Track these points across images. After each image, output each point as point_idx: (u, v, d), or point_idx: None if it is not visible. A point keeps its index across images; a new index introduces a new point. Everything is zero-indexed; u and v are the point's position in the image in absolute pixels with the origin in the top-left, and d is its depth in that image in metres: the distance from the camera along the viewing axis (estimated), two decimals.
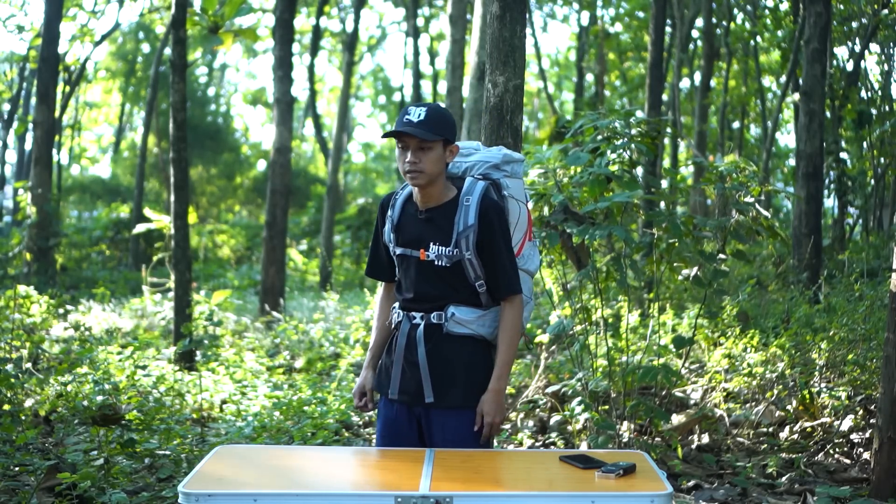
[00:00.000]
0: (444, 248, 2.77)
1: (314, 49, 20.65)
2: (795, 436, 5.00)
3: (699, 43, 18.22)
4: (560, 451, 2.69)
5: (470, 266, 2.77)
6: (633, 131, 4.62)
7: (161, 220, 10.77)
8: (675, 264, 4.91)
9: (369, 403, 2.95)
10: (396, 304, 2.91)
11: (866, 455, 4.60)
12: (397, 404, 2.85)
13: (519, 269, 2.84)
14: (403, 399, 2.83)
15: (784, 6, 15.54)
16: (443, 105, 2.87)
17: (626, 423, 4.75)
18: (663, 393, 5.10)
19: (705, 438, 5.08)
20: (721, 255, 4.72)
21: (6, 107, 20.87)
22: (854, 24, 12.47)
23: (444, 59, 24.03)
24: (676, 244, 4.64)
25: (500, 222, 2.78)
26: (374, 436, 5.35)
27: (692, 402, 5.57)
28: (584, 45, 22.15)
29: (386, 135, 2.74)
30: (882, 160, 12.47)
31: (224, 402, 5.65)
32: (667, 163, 15.12)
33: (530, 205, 3.00)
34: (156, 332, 8.74)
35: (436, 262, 2.78)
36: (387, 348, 2.94)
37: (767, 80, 20.07)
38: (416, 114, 2.70)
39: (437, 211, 2.80)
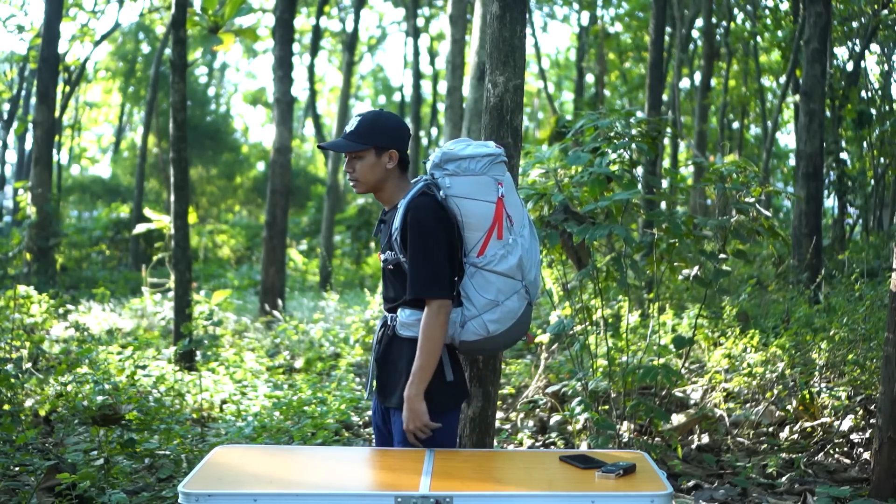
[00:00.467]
0: (388, 252, 2.84)
1: (314, 49, 20.65)
2: (795, 436, 5.00)
3: (699, 43, 18.22)
4: (560, 451, 2.69)
5: (406, 269, 2.77)
6: (634, 131, 4.62)
7: (161, 220, 10.77)
8: (675, 264, 4.91)
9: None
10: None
11: (866, 455, 4.60)
12: (376, 402, 2.97)
13: (483, 269, 2.75)
14: (377, 397, 2.95)
15: (784, 6, 15.54)
16: (383, 111, 2.85)
17: (626, 423, 4.75)
18: (663, 393, 5.10)
19: (705, 438, 5.08)
20: (722, 255, 4.72)
21: (6, 107, 20.87)
22: (854, 24, 12.46)
23: (444, 59, 24.05)
24: (677, 244, 4.64)
25: (418, 223, 2.71)
26: (374, 436, 5.36)
27: (692, 402, 5.57)
28: (584, 45, 22.16)
29: (319, 146, 2.95)
30: (882, 160, 12.48)
31: (224, 402, 5.65)
32: (667, 163, 15.11)
33: (514, 202, 2.83)
34: (156, 332, 8.74)
35: (385, 266, 2.88)
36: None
37: (767, 81, 20.06)
38: (351, 124, 2.85)
39: (389, 215, 2.89)
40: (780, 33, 15.76)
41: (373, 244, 18.97)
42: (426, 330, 2.69)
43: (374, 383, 2.94)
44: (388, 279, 2.89)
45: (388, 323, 2.87)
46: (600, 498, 2.16)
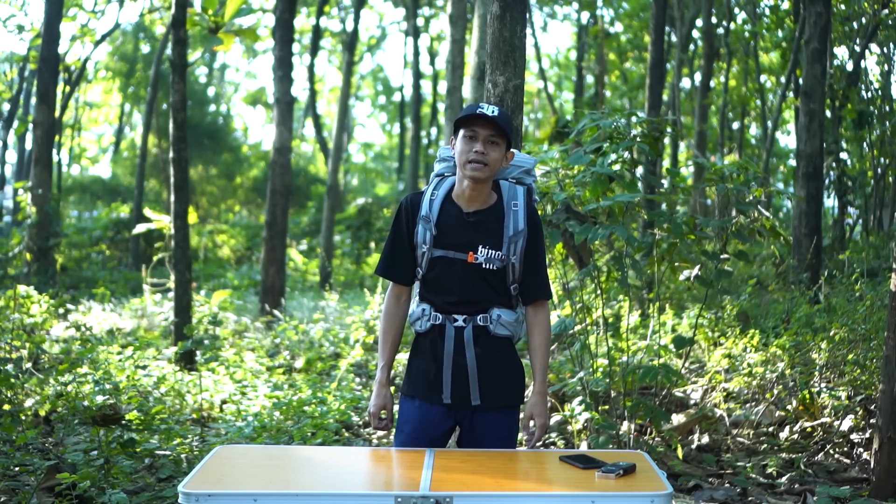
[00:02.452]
0: (494, 252, 2.76)
1: (314, 49, 20.66)
2: (795, 436, 5.00)
3: (699, 43, 18.22)
4: (560, 451, 2.69)
5: (512, 270, 2.79)
6: (635, 131, 4.62)
7: (161, 220, 10.76)
8: (676, 264, 4.91)
9: (389, 423, 2.88)
10: (426, 307, 2.81)
11: (866, 455, 4.60)
12: (437, 407, 2.80)
13: None
14: (451, 403, 2.79)
15: (784, 6, 15.54)
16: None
17: (626, 423, 4.74)
18: (663, 393, 5.10)
19: (705, 438, 5.08)
20: (723, 255, 4.72)
21: (6, 107, 20.87)
22: (854, 24, 12.46)
23: (444, 59, 24.05)
24: (678, 244, 4.64)
25: (539, 227, 2.87)
26: (373, 436, 5.36)
27: (692, 402, 5.57)
28: (584, 45, 22.16)
29: (463, 118, 2.72)
30: (882, 160, 12.47)
31: (224, 402, 5.65)
32: (667, 163, 15.11)
33: None
34: (156, 332, 8.74)
35: (483, 266, 2.77)
36: (419, 353, 2.85)
37: (768, 81, 20.05)
38: (490, 110, 2.73)
39: (485, 214, 2.78)
40: (780, 33, 15.77)
41: (373, 244, 18.96)
42: (550, 329, 2.90)
43: (453, 387, 2.78)
44: (474, 280, 2.78)
45: (479, 324, 2.78)
46: (600, 498, 2.16)
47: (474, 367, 2.77)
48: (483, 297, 2.79)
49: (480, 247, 2.76)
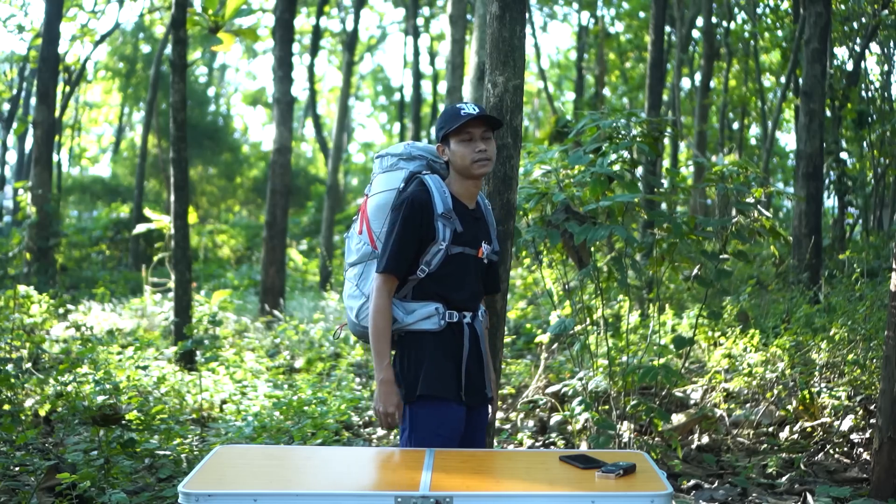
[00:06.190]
0: (491, 246, 2.94)
1: (314, 49, 20.64)
2: (795, 436, 5.00)
3: (699, 43, 18.21)
4: (560, 451, 2.69)
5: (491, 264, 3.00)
6: (635, 131, 4.62)
7: (161, 220, 10.76)
8: (676, 264, 4.91)
9: (399, 421, 2.83)
10: (438, 305, 2.78)
11: (866, 455, 4.60)
12: (460, 406, 2.82)
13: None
14: (467, 399, 2.83)
15: (784, 6, 15.54)
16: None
17: (626, 423, 4.74)
18: (663, 393, 5.10)
19: (705, 438, 5.08)
20: (723, 255, 4.72)
21: (6, 107, 20.87)
22: (854, 24, 12.46)
23: (444, 59, 24.04)
24: (678, 244, 4.64)
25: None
26: (373, 436, 5.36)
27: (692, 402, 5.57)
28: (584, 45, 22.15)
29: (467, 120, 2.78)
30: (882, 160, 12.46)
31: (224, 402, 5.65)
32: (667, 163, 15.11)
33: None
34: (156, 332, 8.74)
35: (485, 260, 2.91)
36: (433, 352, 2.79)
37: (768, 81, 20.05)
38: (472, 108, 2.82)
39: (478, 210, 2.93)
40: (780, 33, 15.75)
41: None
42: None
43: (470, 383, 2.83)
44: (479, 275, 2.90)
45: (479, 318, 2.90)
46: (600, 498, 2.16)
47: (489, 361, 2.93)
48: (482, 291, 2.94)
49: (484, 242, 2.89)
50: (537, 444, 5.16)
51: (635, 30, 20.30)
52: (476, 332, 2.86)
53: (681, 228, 4.47)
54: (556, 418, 5.36)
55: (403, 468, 2.46)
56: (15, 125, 20.76)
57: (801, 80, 9.40)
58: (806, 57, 8.27)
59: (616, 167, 4.61)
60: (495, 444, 4.68)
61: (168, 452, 4.45)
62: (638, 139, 4.55)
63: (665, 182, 7.82)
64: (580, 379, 4.93)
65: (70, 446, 4.50)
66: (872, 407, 4.87)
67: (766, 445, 4.95)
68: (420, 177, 2.86)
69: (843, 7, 12.01)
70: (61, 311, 8.64)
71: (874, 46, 13.14)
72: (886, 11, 11.54)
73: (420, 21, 23.43)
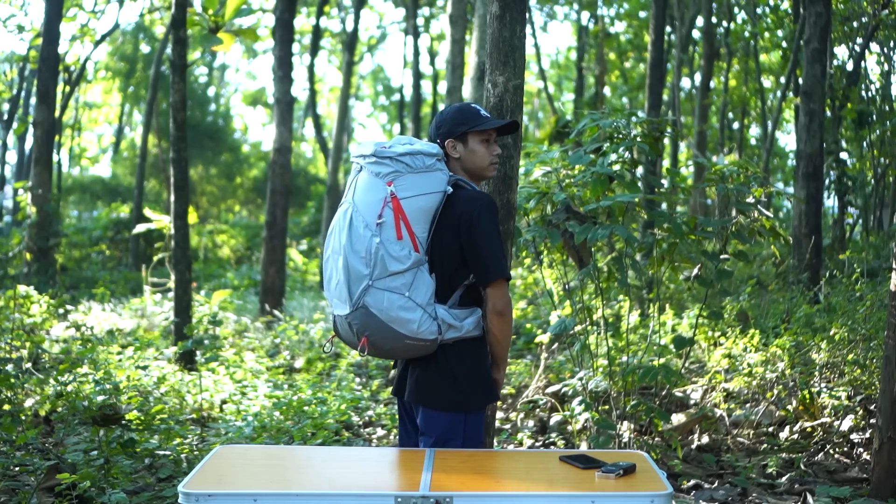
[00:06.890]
0: None
1: (314, 49, 20.64)
2: (795, 436, 5.00)
3: (699, 43, 18.21)
4: (560, 451, 2.69)
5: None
6: (636, 131, 4.62)
7: (161, 220, 10.76)
8: (676, 264, 4.91)
9: None
10: (479, 310, 2.79)
11: (866, 455, 4.61)
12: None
13: None
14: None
15: (784, 6, 15.54)
16: (443, 106, 2.93)
17: (626, 423, 4.75)
18: (663, 393, 5.10)
19: (705, 438, 5.08)
20: (723, 256, 4.72)
21: (6, 107, 20.87)
22: (854, 24, 12.46)
23: (444, 59, 24.04)
24: (678, 244, 4.64)
25: None
26: (373, 436, 5.36)
27: (692, 402, 5.57)
28: (584, 45, 22.15)
29: (501, 127, 2.86)
30: (882, 160, 12.47)
31: (224, 402, 5.65)
32: (667, 163, 15.11)
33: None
34: (156, 332, 8.74)
35: None
36: (481, 359, 2.81)
37: (768, 81, 20.05)
38: (486, 112, 2.89)
39: None
40: (780, 33, 15.76)
41: None
42: None
43: None
44: None
45: None
46: (600, 498, 2.16)
47: None
48: None
49: None
50: (537, 444, 5.16)
51: (635, 30, 20.30)
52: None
53: (681, 228, 4.47)
54: (556, 418, 5.36)
55: (403, 468, 2.46)
56: (15, 125, 20.77)
57: (801, 80, 9.40)
58: (806, 57, 8.27)
59: (616, 167, 4.61)
60: (495, 444, 4.68)
61: (168, 452, 4.45)
62: (638, 139, 4.55)
63: (665, 182, 7.82)
64: (580, 379, 4.93)
65: (70, 446, 4.50)
66: (872, 407, 4.87)
67: (766, 445, 4.95)
68: (456, 178, 2.77)
69: (842, 7, 12.01)
70: (61, 311, 8.64)
71: (874, 46, 13.14)
72: (886, 11, 11.55)
73: (420, 21, 23.43)
